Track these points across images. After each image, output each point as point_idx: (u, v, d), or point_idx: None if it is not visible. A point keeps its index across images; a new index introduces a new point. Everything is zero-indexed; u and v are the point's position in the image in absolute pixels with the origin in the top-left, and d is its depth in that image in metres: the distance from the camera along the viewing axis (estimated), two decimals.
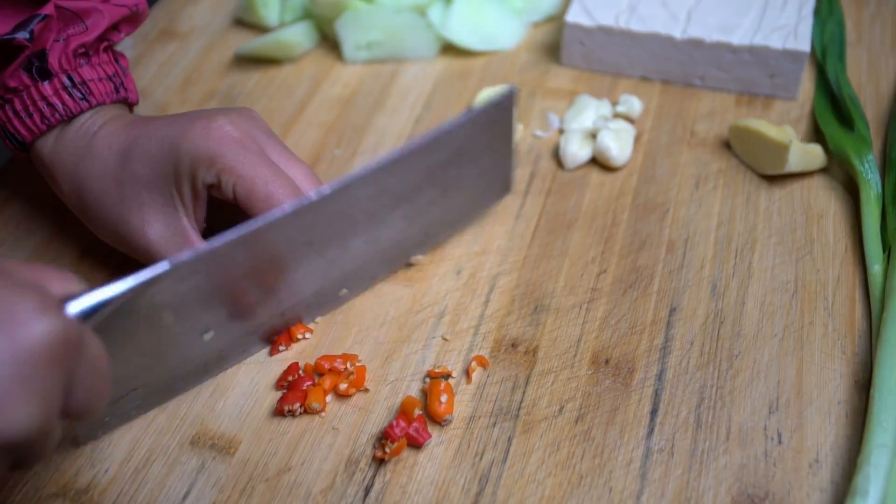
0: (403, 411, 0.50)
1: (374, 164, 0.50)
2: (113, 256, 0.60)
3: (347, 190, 0.50)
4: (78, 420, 0.39)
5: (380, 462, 0.49)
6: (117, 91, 0.58)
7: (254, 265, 0.49)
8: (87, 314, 0.40)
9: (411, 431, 0.49)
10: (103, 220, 0.55)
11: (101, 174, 0.54)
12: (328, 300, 0.56)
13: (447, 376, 0.52)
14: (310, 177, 0.54)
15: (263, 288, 0.51)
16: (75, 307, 0.40)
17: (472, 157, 0.56)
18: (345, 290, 0.56)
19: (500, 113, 0.56)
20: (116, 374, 0.41)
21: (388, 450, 0.48)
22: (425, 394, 0.51)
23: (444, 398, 0.50)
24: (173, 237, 0.53)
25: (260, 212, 0.50)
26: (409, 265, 0.59)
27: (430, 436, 0.50)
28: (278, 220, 0.48)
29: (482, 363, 0.53)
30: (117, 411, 0.49)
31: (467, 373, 0.52)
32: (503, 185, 0.62)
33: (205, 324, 0.50)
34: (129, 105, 0.60)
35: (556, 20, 0.79)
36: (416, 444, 0.49)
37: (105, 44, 0.58)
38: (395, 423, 0.49)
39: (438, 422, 0.50)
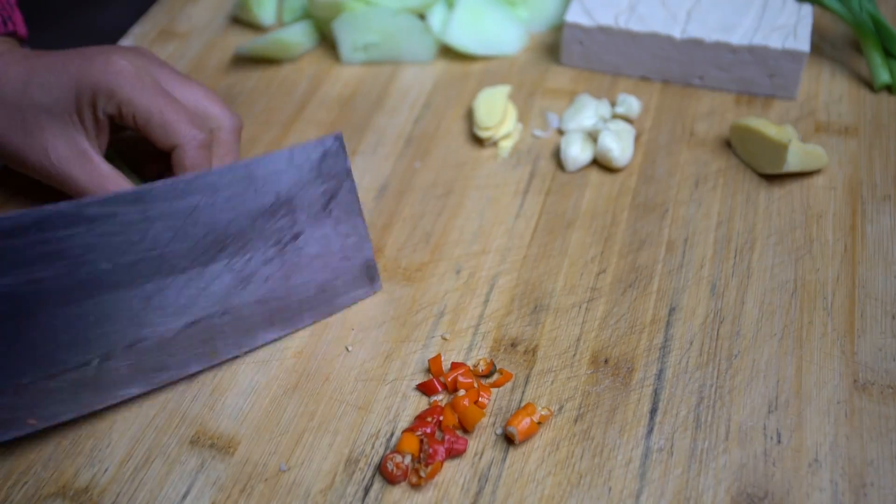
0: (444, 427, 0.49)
1: (172, 182, 0.48)
2: None
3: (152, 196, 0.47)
4: None
5: (414, 485, 0.48)
6: (5, 24, 0.60)
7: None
8: None
9: (449, 445, 0.48)
10: (7, 146, 0.57)
11: (1, 103, 0.56)
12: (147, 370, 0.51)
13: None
14: (206, 94, 0.58)
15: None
16: None
17: (306, 215, 0.52)
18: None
19: (330, 161, 0.52)
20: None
21: (423, 474, 0.47)
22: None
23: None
24: (76, 158, 0.56)
25: (158, 139, 0.55)
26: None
27: (466, 441, 0.49)
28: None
29: (488, 366, 0.53)
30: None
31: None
32: (363, 270, 0.56)
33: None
34: (19, 39, 0.62)
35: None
36: (457, 455, 0.48)
37: None
38: (434, 450, 0.47)
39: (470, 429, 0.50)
